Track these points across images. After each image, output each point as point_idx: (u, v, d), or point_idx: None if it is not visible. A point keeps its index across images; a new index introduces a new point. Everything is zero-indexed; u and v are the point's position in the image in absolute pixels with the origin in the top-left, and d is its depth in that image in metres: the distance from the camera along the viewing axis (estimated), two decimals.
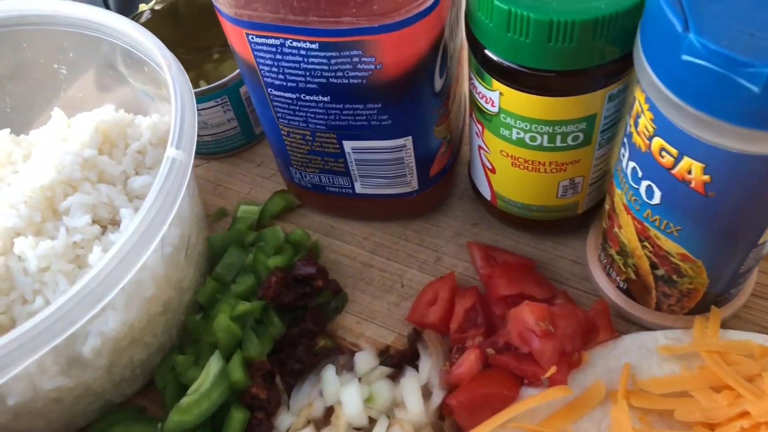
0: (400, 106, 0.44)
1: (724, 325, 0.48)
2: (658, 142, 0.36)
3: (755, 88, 0.29)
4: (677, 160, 0.35)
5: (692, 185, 0.36)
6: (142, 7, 0.60)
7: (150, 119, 0.51)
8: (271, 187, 0.59)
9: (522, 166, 0.46)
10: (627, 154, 0.40)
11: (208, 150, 0.60)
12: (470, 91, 0.46)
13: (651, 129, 0.36)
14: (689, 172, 0.35)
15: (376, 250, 0.55)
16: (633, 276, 0.46)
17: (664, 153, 0.36)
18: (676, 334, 0.47)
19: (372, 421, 0.46)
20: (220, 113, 0.57)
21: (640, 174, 0.39)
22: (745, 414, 0.40)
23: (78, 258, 0.44)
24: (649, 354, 0.46)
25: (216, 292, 0.50)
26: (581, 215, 0.51)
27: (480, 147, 0.48)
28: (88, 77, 0.58)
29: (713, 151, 0.34)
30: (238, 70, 0.56)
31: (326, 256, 0.55)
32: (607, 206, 0.46)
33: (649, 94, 0.35)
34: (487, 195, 0.52)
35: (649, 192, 0.39)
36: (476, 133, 0.48)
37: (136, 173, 0.49)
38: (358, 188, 0.52)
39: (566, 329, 0.46)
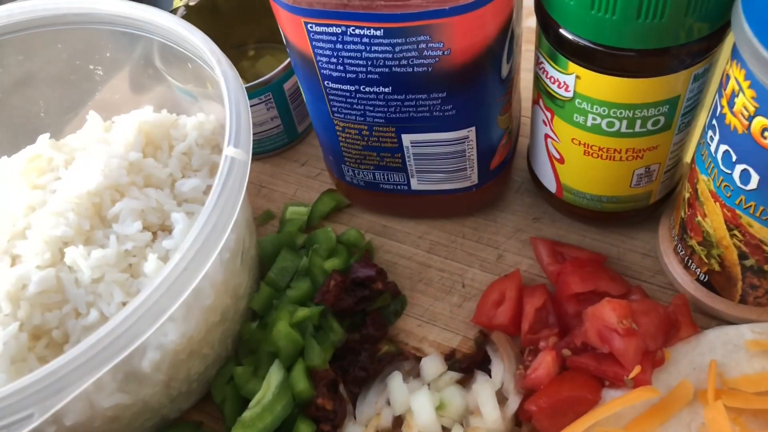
0: (465, 95, 0.42)
1: None
2: (760, 121, 0.33)
3: None
4: None
5: None
6: (177, 2, 0.58)
7: (195, 119, 0.49)
8: (317, 187, 0.56)
9: (596, 155, 0.43)
10: (717, 138, 0.37)
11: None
12: (537, 77, 0.43)
13: (752, 108, 0.33)
14: None
15: (433, 249, 0.52)
16: (717, 267, 0.43)
17: (767, 134, 0.33)
18: (764, 328, 0.44)
19: (445, 430, 0.43)
20: (263, 111, 0.55)
21: (734, 158, 0.36)
22: None
23: (131, 267, 0.41)
24: (736, 350, 0.43)
25: (271, 299, 0.48)
26: (653, 205, 0.48)
27: (547, 136, 0.45)
28: (122, 77, 0.56)
29: None
30: (281, 66, 0.54)
31: (380, 257, 0.52)
32: (687, 194, 0.43)
33: (753, 69, 0.32)
34: (552, 187, 0.49)
35: (745, 176, 0.36)
36: (543, 121, 0.45)
37: (183, 176, 0.47)
38: (415, 185, 0.49)
39: (648, 326, 0.43)
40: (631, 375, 0.41)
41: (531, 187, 0.53)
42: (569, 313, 0.46)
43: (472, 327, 0.48)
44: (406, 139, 0.45)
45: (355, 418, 0.45)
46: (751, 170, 0.36)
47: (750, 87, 0.33)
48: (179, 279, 0.35)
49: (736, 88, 0.34)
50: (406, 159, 0.47)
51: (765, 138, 0.34)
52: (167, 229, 0.44)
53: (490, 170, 0.49)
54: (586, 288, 0.46)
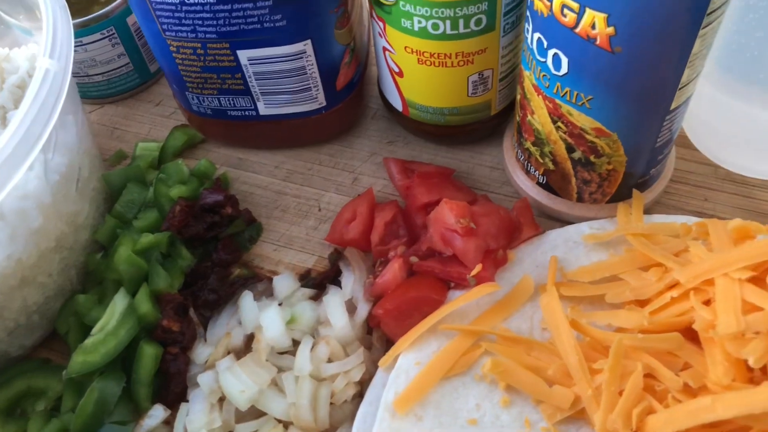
0: (293, 4, 0.41)
1: (647, 211, 0.47)
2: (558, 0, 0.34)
3: None
4: (579, 15, 0.34)
5: (597, 42, 0.35)
6: None
7: (27, 50, 0.47)
8: (172, 126, 0.55)
9: (428, 62, 0.44)
10: (531, 27, 0.38)
11: (100, 93, 0.56)
12: None
13: None
14: (593, 27, 0.34)
15: (290, 177, 0.52)
16: (551, 166, 0.44)
17: (566, 11, 0.35)
18: (601, 224, 0.45)
19: (297, 344, 0.43)
20: (108, 48, 0.53)
21: (545, 44, 0.37)
22: (673, 285, 0.39)
23: None
24: (576, 246, 0.45)
25: (116, 230, 0.46)
26: (495, 117, 0.49)
27: (384, 49, 0.46)
28: None
29: None
30: None
31: (237, 188, 0.52)
32: (518, 96, 0.44)
33: None
34: (399, 105, 0.49)
35: (557, 61, 0.37)
36: (378, 33, 0.45)
37: (16, 108, 0.45)
38: (262, 109, 0.49)
39: (488, 227, 0.44)
40: (473, 273, 0.42)
41: (385, 112, 0.53)
42: (418, 224, 0.47)
43: (327, 247, 0.48)
44: (242, 55, 0.44)
45: (205, 340, 0.44)
46: (561, 53, 0.37)
47: None
48: None
49: None
50: (248, 79, 0.46)
51: (565, 16, 0.35)
52: None
53: (336, 91, 0.49)
54: (432, 198, 0.47)
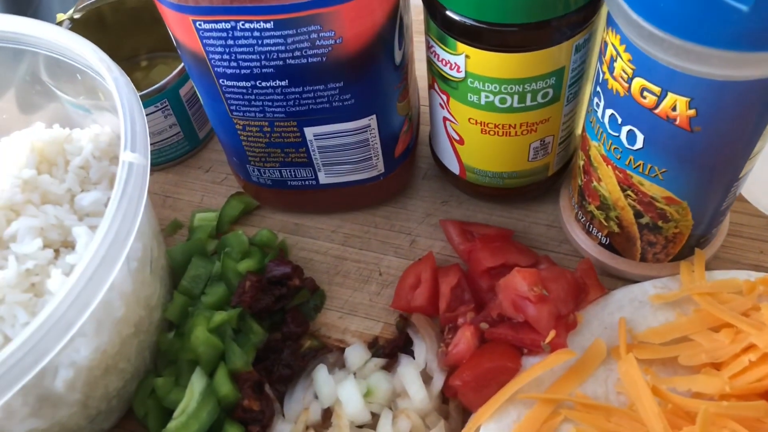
0: (362, 83, 0.42)
1: (707, 267, 0.48)
2: (638, 82, 0.35)
3: (744, 8, 0.29)
4: (660, 98, 0.35)
5: (677, 122, 0.35)
6: (60, 16, 0.56)
7: (90, 131, 0.47)
8: (224, 192, 0.56)
9: (492, 132, 0.45)
10: (602, 103, 0.39)
11: (151, 161, 0.57)
12: (430, 61, 0.45)
13: (630, 70, 0.35)
14: (674, 109, 0.35)
15: (347, 242, 0.52)
16: (616, 229, 0.45)
17: (646, 93, 0.35)
18: (664, 282, 0.46)
19: (375, 417, 0.43)
20: (160, 119, 0.54)
21: (619, 120, 0.38)
22: (749, 348, 0.40)
23: (34, 286, 0.40)
24: (642, 306, 0.46)
25: (186, 307, 0.47)
26: (551, 177, 0.50)
27: (445, 119, 0.47)
28: (9, 98, 0.54)
29: (698, 83, 0.33)
30: (175, 71, 0.53)
31: (295, 254, 0.52)
32: (581, 162, 0.45)
33: (627, 33, 0.34)
34: (456, 169, 0.50)
35: (631, 137, 0.38)
36: (440, 104, 0.46)
37: (82, 190, 0.45)
38: (323, 179, 0.49)
39: (558, 292, 0.45)
40: (547, 340, 0.43)
41: (436, 172, 0.54)
42: (483, 289, 0.47)
43: (392, 313, 0.49)
44: (309, 132, 0.45)
45: (283, 416, 0.44)
46: (636, 130, 0.38)
47: (626, 51, 0.35)
48: (84, 291, 0.34)
49: (614, 53, 0.36)
50: (311, 152, 0.47)
51: (644, 98, 0.36)
52: (70, 245, 0.43)
53: (394, 158, 0.49)
54: (496, 262, 0.47)
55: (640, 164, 0.39)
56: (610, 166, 0.41)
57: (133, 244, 0.40)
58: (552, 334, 0.43)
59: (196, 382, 0.43)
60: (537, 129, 0.45)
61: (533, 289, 0.43)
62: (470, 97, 0.43)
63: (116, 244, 0.35)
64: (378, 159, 0.48)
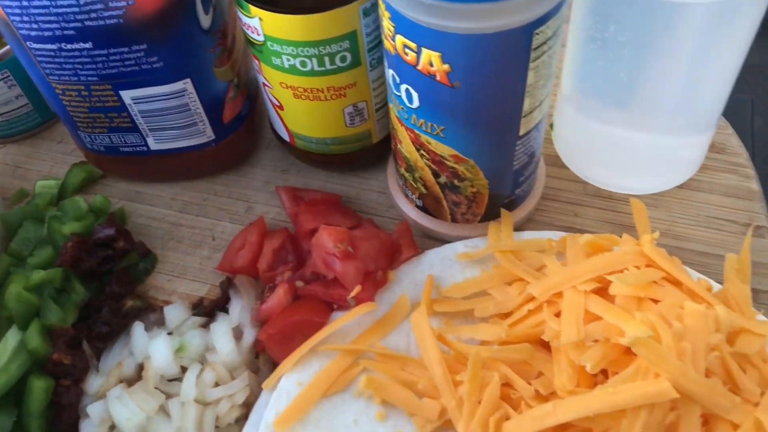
0: (167, 46, 0.44)
1: (519, 228, 0.50)
2: (400, 40, 0.37)
3: None
4: (418, 54, 0.37)
5: (438, 78, 0.37)
6: None
7: None
8: (72, 162, 0.57)
9: (303, 96, 0.46)
10: (387, 63, 0.41)
11: (1, 133, 0.58)
12: (240, 26, 0.46)
13: (392, 28, 0.37)
14: (431, 65, 0.37)
15: (185, 209, 0.54)
16: (423, 190, 0.47)
17: (407, 50, 0.37)
18: (475, 242, 0.48)
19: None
20: (4, 89, 0.55)
21: (398, 79, 0.40)
22: (532, 299, 0.42)
23: None
24: (451, 264, 0.47)
25: (10, 268, 0.48)
26: (377, 145, 0.52)
27: (264, 84, 0.48)
28: None
29: (445, 37, 0.35)
30: None
31: (134, 221, 0.53)
32: (391, 127, 0.47)
33: None
34: (286, 136, 0.52)
35: (409, 95, 0.40)
36: (257, 69, 0.48)
37: None
38: (153, 144, 0.51)
39: (368, 250, 0.46)
40: (352, 294, 0.45)
41: (278, 143, 0.56)
42: (305, 250, 0.49)
43: (220, 276, 0.50)
44: (126, 95, 0.46)
45: (98, 370, 0.45)
46: (411, 89, 0.40)
47: (386, 9, 0.37)
48: None
49: (381, 13, 0.38)
50: (134, 117, 0.48)
51: (407, 55, 0.38)
52: None
53: (225, 124, 0.51)
54: (317, 224, 0.49)
55: (422, 123, 0.41)
56: (403, 127, 0.43)
57: None
58: (357, 288, 0.45)
59: (11, 338, 0.44)
60: (346, 94, 0.46)
61: (338, 245, 0.45)
62: (274, 61, 0.45)
63: None
64: (205, 125, 0.50)
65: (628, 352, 0.37)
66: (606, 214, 0.51)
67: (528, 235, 0.48)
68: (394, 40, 0.38)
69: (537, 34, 0.36)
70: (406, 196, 0.50)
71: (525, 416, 0.37)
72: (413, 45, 0.37)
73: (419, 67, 0.37)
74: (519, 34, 0.35)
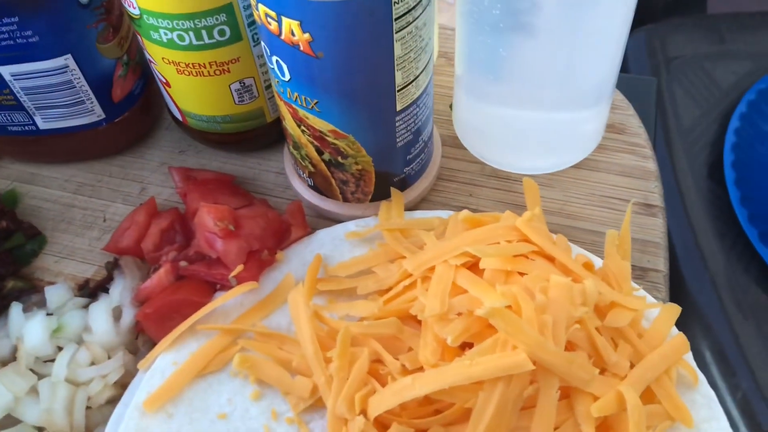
0: (41, 20, 0.43)
1: (414, 208, 0.50)
2: (262, 9, 0.37)
3: None
4: (279, 23, 0.36)
5: (301, 48, 0.37)
6: None
7: None
8: None
9: (187, 72, 0.46)
10: (259, 37, 0.41)
11: None
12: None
13: None
14: (293, 34, 0.36)
15: (79, 190, 0.53)
16: (311, 168, 0.46)
17: (269, 19, 0.37)
18: (366, 222, 0.48)
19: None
20: None
21: (268, 51, 0.40)
22: (408, 275, 0.41)
23: None
24: (341, 243, 0.47)
25: None
26: (273, 124, 0.51)
27: (150, 61, 0.47)
28: None
29: (301, 4, 0.35)
30: None
31: (26, 203, 0.52)
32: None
33: None
34: (178, 115, 0.51)
35: (280, 68, 0.40)
36: (141, 46, 0.47)
37: None
38: (41, 124, 0.49)
39: (253, 229, 0.46)
40: (233, 273, 0.44)
41: (174, 122, 0.55)
42: (193, 230, 0.48)
43: (108, 257, 0.49)
44: (5, 71, 0.45)
45: None
46: (280, 60, 0.39)
47: None
48: None
49: None
50: (17, 95, 0.47)
51: (270, 24, 0.37)
52: None
53: (115, 103, 0.50)
54: (205, 203, 0.48)
55: (296, 96, 0.41)
56: (282, 102, 0.43)
57: None
58: (239, 268, 0.44)
59: None
60: (230, 69, 0.46)
61: (217, 223, 0.44)
62: (153, 35, 0.44)
63: None
64: (92, 103, 0.49)
65: (492, 325, 0.37)
66: (501, 194, 0.50)
67: (419, 214, 0.48)
68: (258, 9, 0.37)
69: (396, 3, 0.35)
70: (299, 175, 0.49)
71: (386, 390, 0.37)
72: (273, 14, 0.36)
73: (282, 37, 0.37)
74: (375, 2, 0.35)
